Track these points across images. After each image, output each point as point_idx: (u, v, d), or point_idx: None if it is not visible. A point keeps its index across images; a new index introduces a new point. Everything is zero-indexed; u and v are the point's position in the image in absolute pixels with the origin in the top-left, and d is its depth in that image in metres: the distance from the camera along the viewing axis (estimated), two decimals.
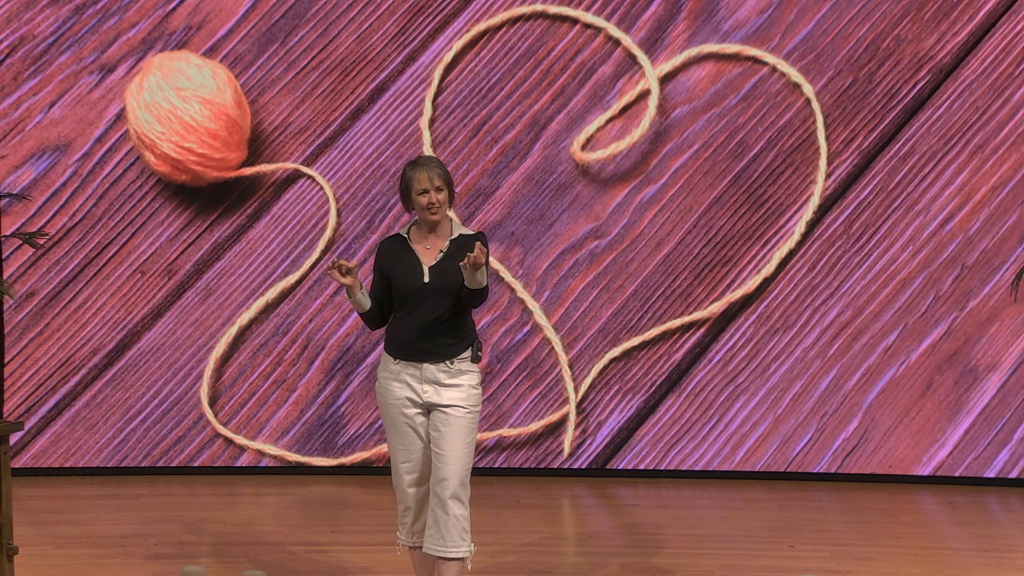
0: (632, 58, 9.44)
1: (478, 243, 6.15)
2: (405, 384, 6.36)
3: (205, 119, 9.13)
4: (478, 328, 9.42)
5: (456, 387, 6.33)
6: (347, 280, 6.28)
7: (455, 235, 6.39)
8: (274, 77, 9.51)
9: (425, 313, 6.31)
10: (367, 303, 6.38)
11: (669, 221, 9.46)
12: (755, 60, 9.40)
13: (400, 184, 6.41)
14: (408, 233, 6.45)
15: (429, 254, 6.37)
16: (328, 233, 9.50)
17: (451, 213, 6.52)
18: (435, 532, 6.33)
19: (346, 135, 9.53)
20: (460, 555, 6.34)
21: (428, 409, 6.36)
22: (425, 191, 6.32)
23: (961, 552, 7.96)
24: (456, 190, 9.45)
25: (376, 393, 6.46)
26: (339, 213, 9.51)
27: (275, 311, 9.54)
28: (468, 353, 6.36)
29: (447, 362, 6.32)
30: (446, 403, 6.31)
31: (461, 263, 6.15)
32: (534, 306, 9.47)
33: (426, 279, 6.31)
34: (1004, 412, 9.33)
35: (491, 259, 9.45)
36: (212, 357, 9.50)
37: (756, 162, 9.43)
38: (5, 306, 9.54)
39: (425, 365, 6.33)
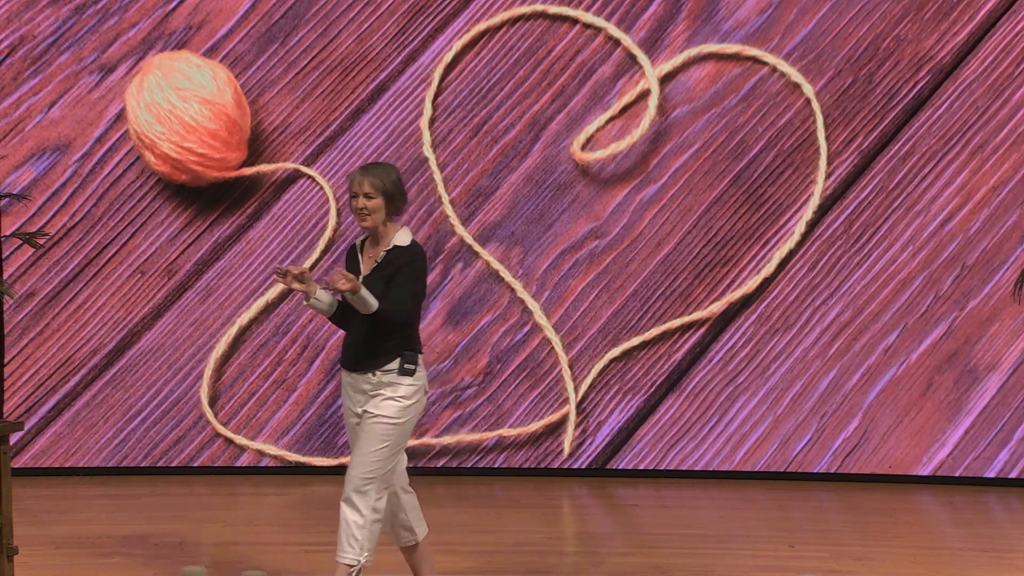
0: (632, 58, 9.44)
1: (338, 268, 6.12)
2: (348, 393, 6.40)
3: (205, 119, 9.13)
4: (479, 327, 9.43)
5: (379, 397, 6.28)
6: (296, 286, 6.22)
7: (391, 245, 6.34)
8: (274, 77, 9.51)
9: (358, 323, 6.30)
10: (327, 308, 6.33)
11: (669, 221, 9.46)
12: (755, 60, 9.40)
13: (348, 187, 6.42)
14: (363, 241, 6.45)
15: (368, 264, 6.36)
16: (328, 233, 9.50)
17: (404, 227, 6.42)
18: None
19: (346, 135, 9.53)
20: (345, 561, 6.34)
21: (359, 415, 6.37)
22: (355, 195, 6.30)
23: (961, 552, 7.96)
24: (456, 190, 9.47)
25: None
26: (339, 213, 9.51)
27: (275, 311, 9.54)
28: (395, 366, 6.28)
29: (371, 373, 6.29)
30: (366, 409, 6.31)
31: (323, 286, 6.16)
32: (534, 306, 9.47)
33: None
34: (1004, 412, 9.33)
35: (491, 259, 9.46)
36: (212, 357, 9.50)
37: (756, 162, 9.43)
38: (5, 306, 9.54)
39: (355, 375, 6.33)
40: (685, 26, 9.42)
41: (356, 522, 6.33)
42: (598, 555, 7.75)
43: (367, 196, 6.28)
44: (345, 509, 6.35)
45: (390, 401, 6.28)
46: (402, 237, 6.36)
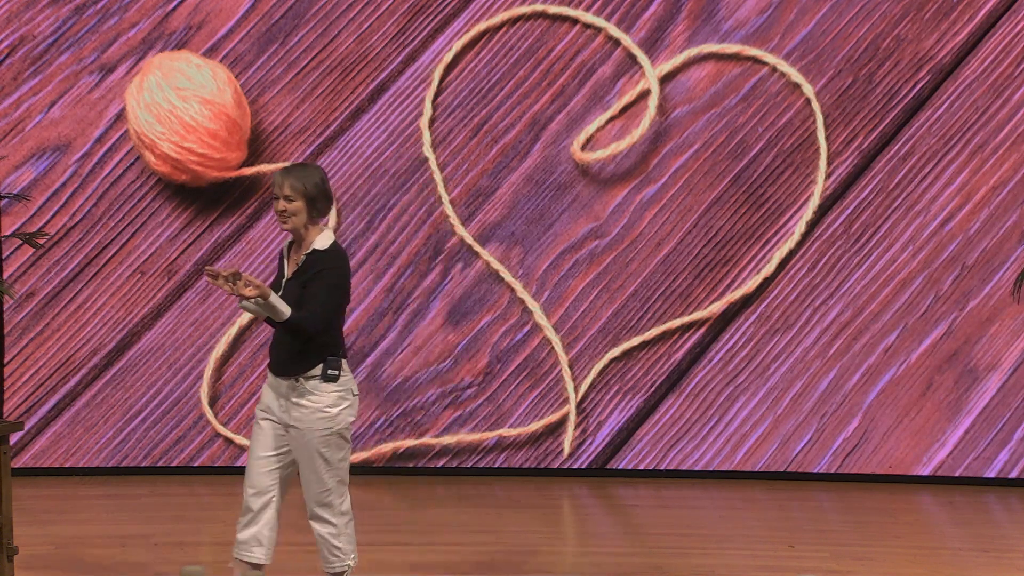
0: (632, 58, 9.44)
1: (244, 277, 5.93)
2: (270, 394, 6.23)
3: (205, 119, 9.13)
4: (479, 327, 9.43)
5: (302, 407, 6.14)
6: (226, 287, 6.02)
7: (310, 249, 6.18)
8: (274, 77, 9.51)
9: (278, 328, 6.17)
10: (260, 308, 6.19)
11: (669, 221, 9.46)
12: (755, 60, 9.40)
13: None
14: (290, 244, 6.29)
15: (291, 267, 6.22)
16: None
17: (326, 228, 6.28)
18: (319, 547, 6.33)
19: (346, 135, 9.53)
20: (334, 571, 6.29)
21: (284, 424, 6.21)
22: (275, 197, 6.16)
23: (961, 552, 7.96)
24: (456, 190, 9.47)
25: None
26: (339, 213, 9.50)
27: None
28: (318, 371, 6.13)
29: (294, 379, 6.14)
30: (292, 423, 6.16)
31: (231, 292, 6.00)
32: (534, 306, 9.47)
33: (280, 293, 6.13)
34: (1004, 412, 9.33)
35: (491, 259, 9.46)
36: (212, 357, 9.50)
37: (756, 162, 9.43)
38: (5, 306, 9.54)
39: (279, 379, 6.19)
40: (685, 26, 9.42)
41: (331, 533, 6.26)
42: (598, 555, 7.75)
43: (287, 198, 6.11)
44: (315, 526, 6.26)
45: (317, 414, 6.14)
46: (322, 240, 6.18)
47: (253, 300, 5.97)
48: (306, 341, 6.11)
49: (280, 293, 6.12)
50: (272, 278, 6.32)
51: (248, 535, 6.30)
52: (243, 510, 6.30)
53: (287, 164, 6.35)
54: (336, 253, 6.20)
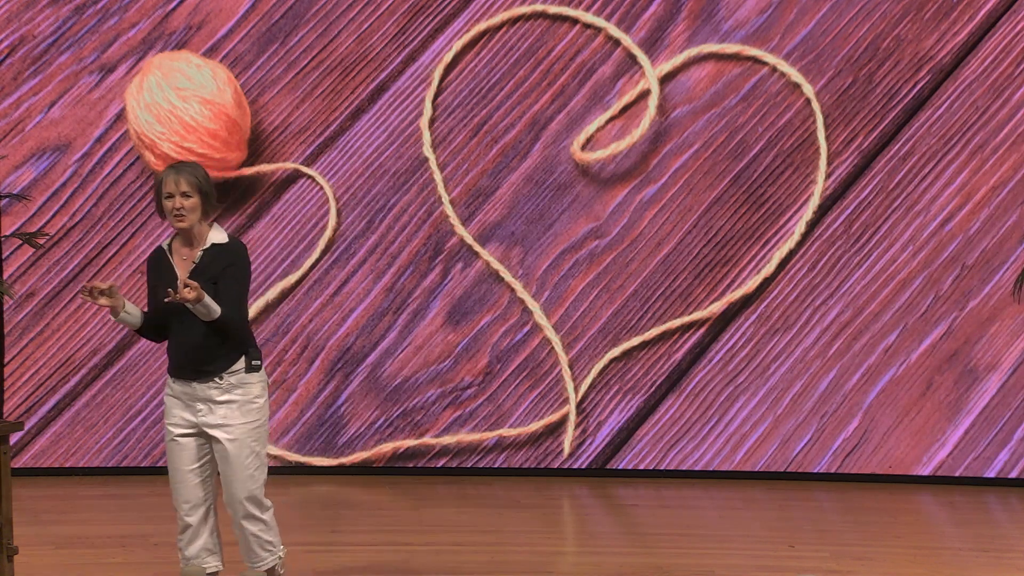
0: (632, 58, 9.44)
1: (181, 279, 5.90)
2: (182, 404, 6.15)
3: (205, 119, 9.13)
4: (479, 327, 9.43)
5: (229, 403, 6.10)
6: (103, 302, 5.99)
7: (208, 244, 6.12)
8: (274, 77, 9.51)
9: (186, 330, 6.07)
10: (135, 321, 6.12)
11: (669, 221, 9.46)
12: (755, 60, 9.40)
13: (155, 190, 6.18)
14: (170, 244, 6.20)
15: (184, 266, 6.12)
16: (328, 233, 9.50)
17: (216, 226, 6.22)
18: (241, 547, 6.28)
19: (346, 135, 9.53)
20: (266, 566, 6.28)
21: (202, 429, 6.14)
22: (170, 195, 6.06)
23: (961, 552, 7.96)
24: (456, 190, 9.47)
25: (164, 413, 6.26)
26: (339, 213, 9.51)
27: (275, 311, 9.53)
28: (241, 364, 6.11)
29: (216, 378, 6.09)
30: (219, 422, 6.10)
31: (166, 299, 5.91)
32: (534, 306, 9.47)
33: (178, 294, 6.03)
34: (1004, 412, 9.33)
35: (491, 259, 9.46)
36: None
37: (756, 162, 9.43)
38: (5, 306, 9.54)
39: (194, 384, 6.10)
40: (685, 26, 9.42)
41: (261, 529, 6.25)
42: (598, 555, 7.75)
43: (184, 195, 6.05)
44: (246, 525, 6.21)
45: (248, 406, 6.11)
46: (218, 235, 6.14)
47: (192, 302, 5.90)
48: (225, 338, 6.07)
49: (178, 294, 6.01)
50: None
51: (196, 548, 6.28)
52: (181, 527, 6.26)
53: (173, 163, 6.21)
54: (239, 245, 6.18)
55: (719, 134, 9.43)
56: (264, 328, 9.50)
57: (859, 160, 9.40)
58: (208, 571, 6.30)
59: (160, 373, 9.52)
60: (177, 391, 6.17)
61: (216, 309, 5.98)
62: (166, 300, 5.92)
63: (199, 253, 6.11)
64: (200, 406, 6.13)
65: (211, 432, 6.13)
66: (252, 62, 9.50)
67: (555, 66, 9.47)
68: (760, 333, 9.45)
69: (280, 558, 6.32)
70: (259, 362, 6.16)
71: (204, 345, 6.07)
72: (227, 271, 6.08)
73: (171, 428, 6.19)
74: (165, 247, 6.20)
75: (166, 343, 6.25)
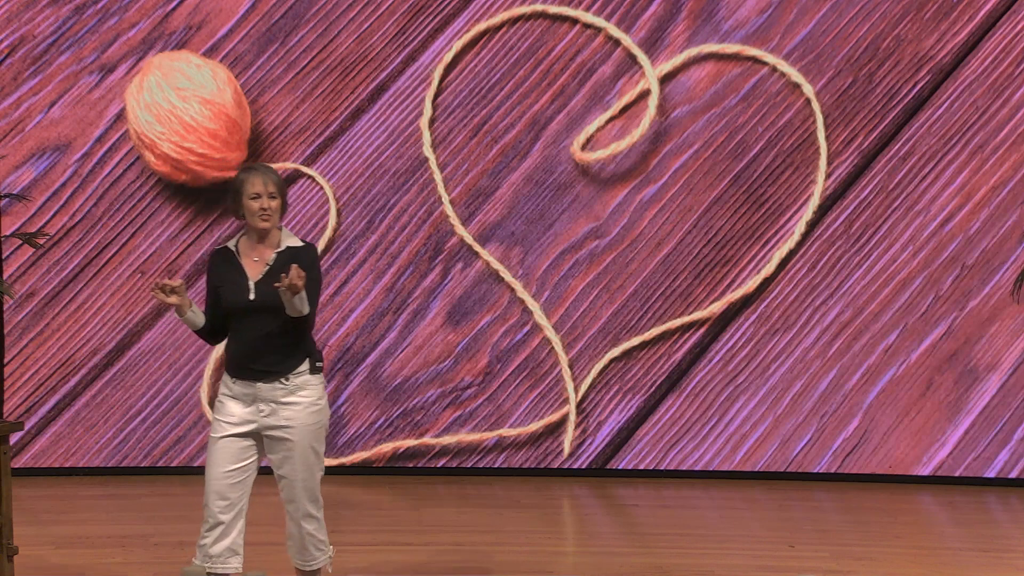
0: (632, 58, 9.44)
1: (294, 266, 5.91)
2: (241, 403, 6.14)
3: (205, 119, 9.13)
4: (479, 327, 9.43)
5: (294, 405, 6.11)
6: (172, 300, 6.03)
7: (282, 247, 6.14)
8: (274, 77, 9.51)
9: (254, 330, 6.08)
10: (200, 321, 6.15)
11: (669, 221, 9.46)
12: (755, 60, 9.40)
13: (231, 189, 6.17)
14: (236, 245, 6.20)
15: (255, 267, 6.12)
16: (328, 233, 9.50)
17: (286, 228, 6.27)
18: (293, 546, 6.30)
19: (346, 135, 9.53)
20: (318, 565, 6.30)
21: (263, 431, 6.14)
22: (257, 195, 6.08)
23: (961, 552, 7.96)
24: (456, 190, 9.47)
25: (214, 409, 6.23)
26: (339, 213, 9.51)
27: None
28: (305, 366, 6.12)
29: (282, 379, 6.09)
30: (284, 423, 6.11)
31: (276, 284, 5.93)
32: (534, 306, 9.47)
33: (251, 295, 6.07)
34: (1004, 412, 9.33)
35: (491, 259, 9.46)
36: (212, 357, 9.50)
37: (756, 162, 9.43)
38: (5, 306, 9.54)
39: (259, 384, 6.09)
40: (685, 26, 9.42)
41: (316, 529, 6.27)
42: (598, 555, 7.75)
43: (271, 196, 6.09)
44: (304, 525, 6.23)
45: (311, 408, 6.13)
46: (291, 238, 6.18)
47: (293, 294, 5.92)
48: (296, 338, 6.10)
49: (255, 295, 6.06)
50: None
51: (222, 547, 6.25)
52: (211, 524, 6.22)
53: (252, 165, 6.25)
54: (315, 249, 6.21)
55: (719, 134, 9.43)
56: None
57: (859, 160, 9.40)
58: (229, 572, 6.28)
59: (160, 373, 9.52)
60: (237, 391, 6.16)
61: (306, 306, 6.00)
62: (276, 285, 5.92)
63: (273, 255, 6.13)
64: (263, 407, 6.13)
65: (274, 433, 6.14)
66: (252, 62, 9.50)
67: (555, 66, 9.47)
68: (760, 333, 9.45)
69: (330, 558, 6.35)
70: (321, 364, 6.19)
71: (271, 346, 6.09)
72: (309, 272, 6.06)
73: (225, 425, 6.16)
74: (232, 247, 6.20)
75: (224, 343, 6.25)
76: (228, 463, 6.17)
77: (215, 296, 6.17)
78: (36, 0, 9.48)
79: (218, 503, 6.19)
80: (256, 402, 6.12)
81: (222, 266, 6.18)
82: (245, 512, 6.27)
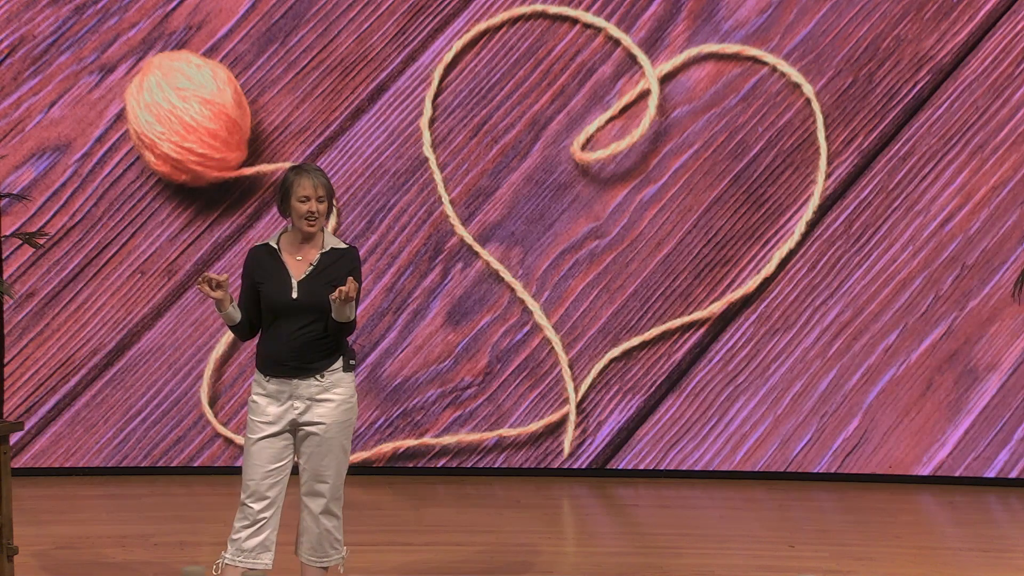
0: (632, 58, 9.44)
1: (350, 278, 5.95)
2: (276, 401, 6.15)
3: (205, 119, 9.14)
4: (479, 327, 9.43)
5: (327, 402, 6.12)
6: (217, 294, 6.06)
7: (326, 248, 6.16)
8: (274, 77, 9.51)
9: (294, 328, 6.10)
10: (237, 316, 6.16)
11: (669, 221, 9.46)
12: (755, 60, 9.40)
13: (280, 187, 6.17)
14: (278, 242, 6.21)
15: (299, 267, 6.14)
16: None
17: (328, 227, 6.29)
18: (306, 541, 6.28)
19: (346, 135, 9.53)
20: (332, 563, 6.30)
21: (296, 427, 6.16)
22: (306, 198, 6.09)
23: (961, 552, 7.96)
24: (456, 190, 9.48)
25: (248, 409, 6.23)
26: (339, 213, 9.51)
27: None
28: (339, 364, 6.14)
29: (317, 376, 6.12)
30: (316, 419, 6.12)
31: (332, 296, 5.95)
32: (534, 306, 9.47)
33: (294, 294, 6.08)
34: (1004, 412, 9.33)
35: (491, 259, 9.46)
36: (212, 357, 9.50)
37: (756, 162, 9.43)
38: (5, 306, 9.54)
39: (295, 381, 6.11)
40: (685, 26, 9.42)
41: (335, 527, 6.27)
42: (598, 555, 7.75)
43: (320, 200, 6.11)
44: (324, 521, 6.23)
45: (344, 405, 6.15)
46: (334, 240, 6.20)
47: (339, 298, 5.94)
48: (333, 337, 6.12)
49: (298, 293, 6.09)
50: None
51: (256, 543, 6.26)
52: (249, 520, 6.24)
53: (297, 164, 6.26)
54: (357, 252, 6.24)
55: (719, 134, 9.43)
56: None
57: (859, 160, 9.40)
58: (261, 569, 6.28)
59: (160, 373, 9.52)
60: (271, 389, 6.16)
61: (354, 312, 6.05)
62: (332, 297, 5.94)
63: (318, 255, 6.14)
64: (297, 404, 6.14)
65: (307, 429, 6.15)
66: (252, 62, 9.50)
67: (555, 66, 9.47)
68: (760, 333, 9.45)
69: (343, 557, 6.35)
70: (355, 362, 6.22)
71: (310, 345, 6.10)
72: (351, 275, 6.08)
73: (262, 426, 6.16)
74: (274, 244, 6.20)
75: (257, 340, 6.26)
76: (269, 463, 6.19)
77: (253, 292, 6.18)
78: (36, 0, 9.48)
79: (259, 502, 6.22)
80: (291, 399, 6.14)
81: (263, 264, 6.19)
82: (281, 509, 6.28)
